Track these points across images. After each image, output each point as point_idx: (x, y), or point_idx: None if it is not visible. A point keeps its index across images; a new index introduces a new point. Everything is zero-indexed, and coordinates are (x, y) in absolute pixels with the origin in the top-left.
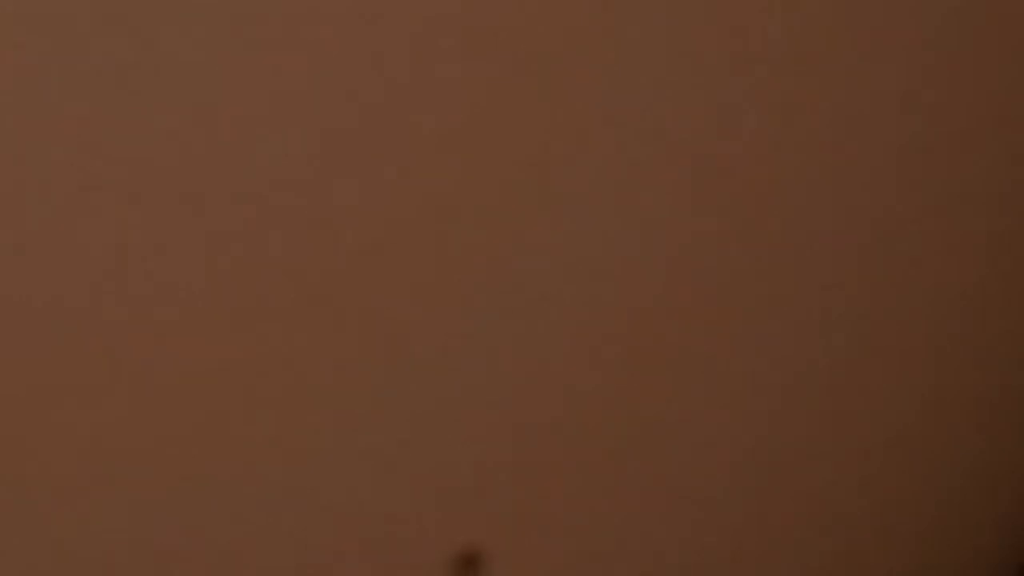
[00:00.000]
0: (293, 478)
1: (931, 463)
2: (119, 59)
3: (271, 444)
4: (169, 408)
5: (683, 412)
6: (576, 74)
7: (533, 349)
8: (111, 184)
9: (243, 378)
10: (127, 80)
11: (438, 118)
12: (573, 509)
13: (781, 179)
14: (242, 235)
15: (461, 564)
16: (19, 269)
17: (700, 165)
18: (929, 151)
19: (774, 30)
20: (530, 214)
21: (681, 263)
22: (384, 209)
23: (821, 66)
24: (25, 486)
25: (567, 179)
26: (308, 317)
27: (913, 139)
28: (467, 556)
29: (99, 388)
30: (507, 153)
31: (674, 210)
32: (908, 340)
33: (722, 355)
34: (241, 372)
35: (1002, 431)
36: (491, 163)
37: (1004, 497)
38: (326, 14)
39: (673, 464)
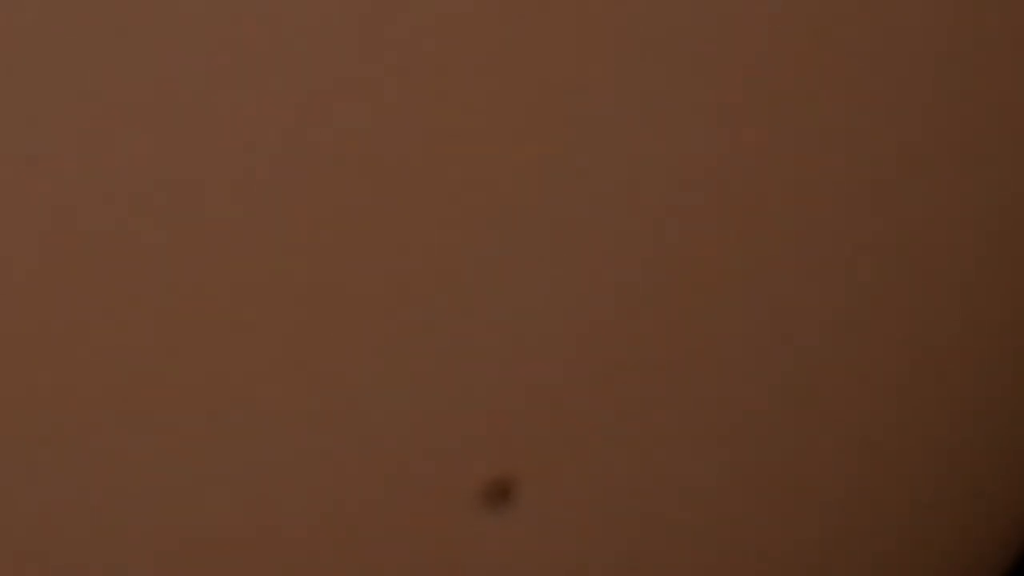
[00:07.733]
0: (318, 403)
1: (928, 461)
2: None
3: (295, 367)
4: (191, 333)
5: (717, 347)
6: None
7: (566, 274)
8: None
9: (269, 298)
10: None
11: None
12: (609, 438)
13: (780, 175)
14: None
15: (493, 493)
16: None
17: (699, 163)
18: (931, 145)
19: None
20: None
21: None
22: (433, 136)
23: (821, 64)
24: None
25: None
26: (343, 242)
27: (915, 133)
28: (499, 485)
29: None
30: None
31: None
32: (906, 335)
33: (748, 301)
34: (266, 292)
35: (1002, 426)
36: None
37: (1002, 495)
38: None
39: (709, 396)
